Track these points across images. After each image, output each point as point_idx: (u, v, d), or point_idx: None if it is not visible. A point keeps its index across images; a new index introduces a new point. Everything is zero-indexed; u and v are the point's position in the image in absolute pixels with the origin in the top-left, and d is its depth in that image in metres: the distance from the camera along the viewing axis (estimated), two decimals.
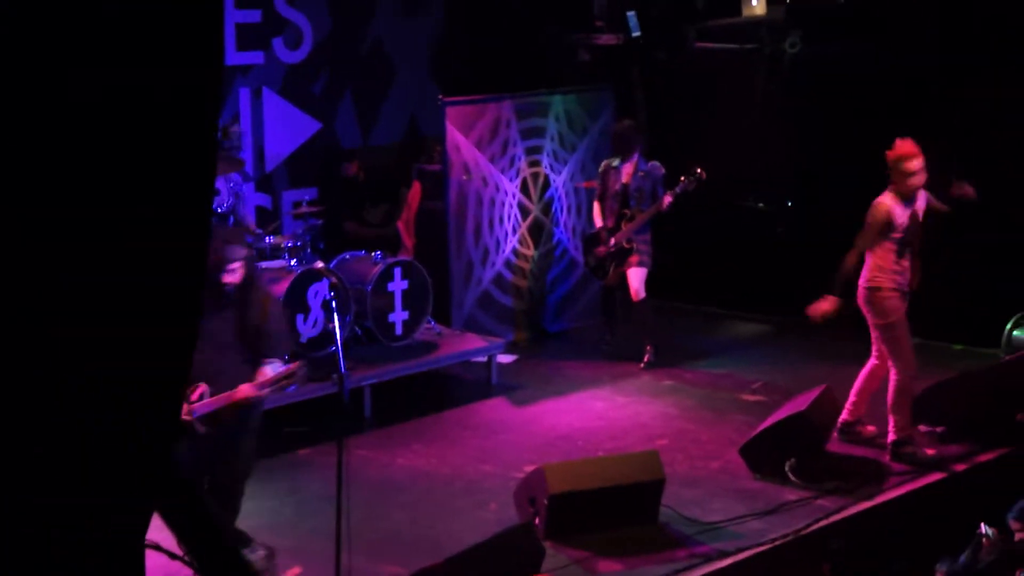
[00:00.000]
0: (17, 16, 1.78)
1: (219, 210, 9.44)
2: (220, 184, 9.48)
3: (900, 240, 7.89)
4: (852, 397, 8.37)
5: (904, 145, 7.89)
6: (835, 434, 8.35)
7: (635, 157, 10.17)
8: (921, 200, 7.98)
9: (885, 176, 8.02)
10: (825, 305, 7.99)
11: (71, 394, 1.91)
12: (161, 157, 1.93)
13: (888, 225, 7.89)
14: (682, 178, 10.00)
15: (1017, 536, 5.98)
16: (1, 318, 1.85)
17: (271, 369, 6.33)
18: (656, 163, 10.22)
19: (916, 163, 7.82)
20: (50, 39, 1.82)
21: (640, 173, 10.14)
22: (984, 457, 8.23)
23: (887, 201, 7.90)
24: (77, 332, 1.89)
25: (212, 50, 2.03)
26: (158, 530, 2.41)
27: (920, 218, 7.97)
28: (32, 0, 1.81)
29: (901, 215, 7.89)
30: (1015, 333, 9.58)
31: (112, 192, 1.90)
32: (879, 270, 7.95)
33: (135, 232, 1.92)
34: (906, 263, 7.93)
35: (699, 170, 9.97)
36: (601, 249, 10.31)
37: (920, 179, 7.85)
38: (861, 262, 8.01)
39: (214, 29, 2.04)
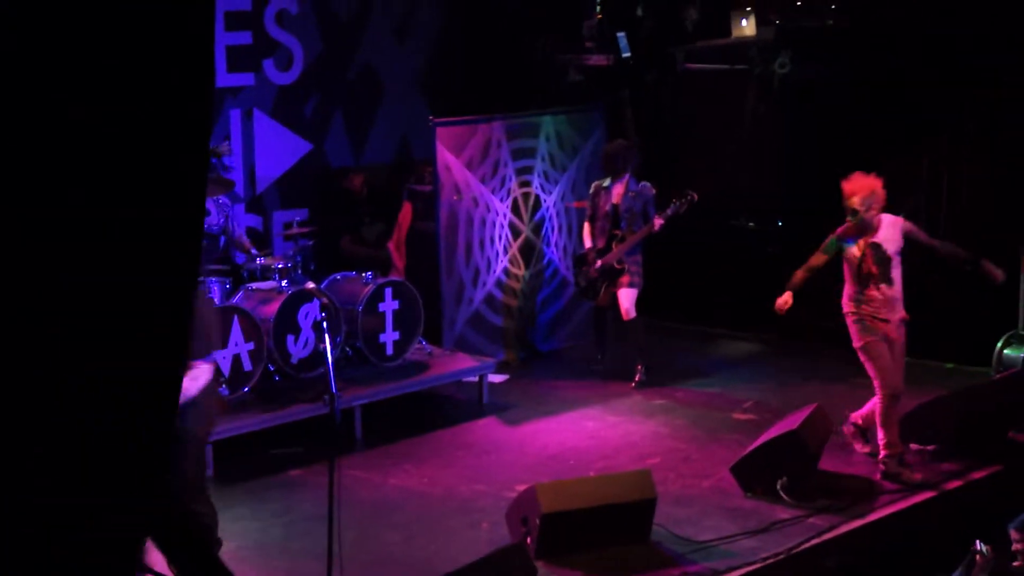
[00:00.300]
0: (17, 28, 1.79)
1: (212, 231, 9.45)
2: (209, 205, 9.48)
3: (854, 269, 7.99)
4: (869, 404, 8.48)
5: (845, 183, 8.01)
6: (841, 433, 8.43)
7: (626, 177, 10.19)
8: (888, 231, 8.02)
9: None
10: (782, 299, 8.22)
11: (71, 394, 1.91)
12: (156, 164, 1.94)
13: (837, 254, 8.06)
14: (674, 200, 10.02)
15: (1015, 547, 5.99)
16: (1, 318, 1.85)
17: (188, 377, 6.12)
18: (647, 183, 10.24)
19: (853, 201, 7.93)
20: (48, 51, 1.83)
21: (631, 193, 10.16)
22: (976, 475, 8.24)
23: (837, 231, 8.04)
24: (77, 332, 1.89)
25: (203, 69, 2.04)
26: (150, 553, 2.39)
27: (888, 249, 8.00)
28: (31, 16, 1.82)
29: (848, 247, 8.02)
30: (1006, 352, 9.60)
31: (110, 197, 1.90)
32: (847, 296, 8.16)
33: (133, 234, 1.93)
34: (873, 293, 7.98)
35: (691, 193, 10.00)
36: (592, 270, 10.33)
37: (860, 219, 7.91)
38: (815, 278, 8.22)
39: (204, 48, 2.05)
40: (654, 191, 10.20)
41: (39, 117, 1.81)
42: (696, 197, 9.98)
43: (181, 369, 2.11)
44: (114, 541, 2.04)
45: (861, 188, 7.92)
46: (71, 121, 1.82)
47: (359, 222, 10.70)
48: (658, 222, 9.98)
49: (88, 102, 1.83)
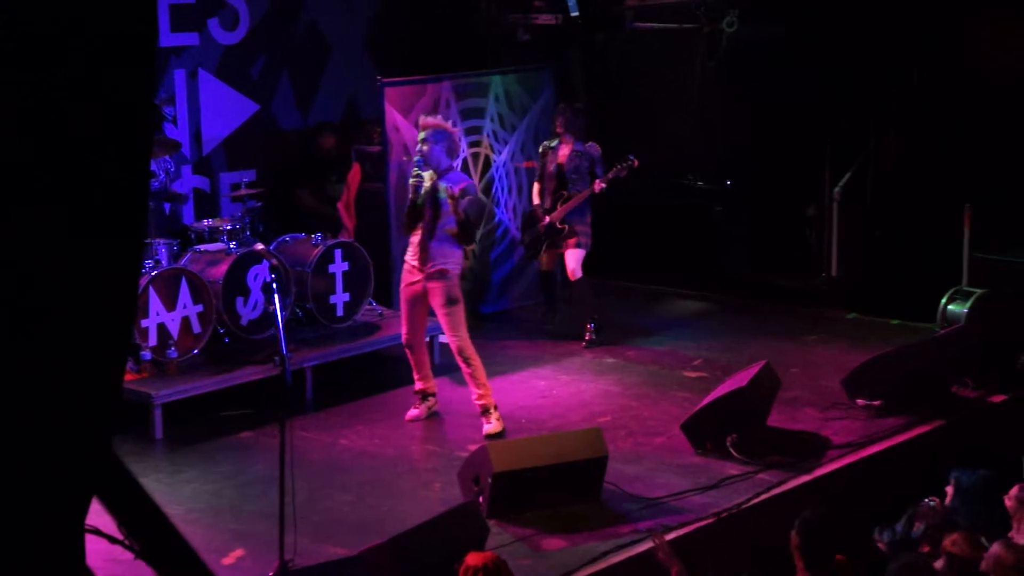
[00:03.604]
0: None
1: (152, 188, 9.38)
2: (153, 166, 9.40)
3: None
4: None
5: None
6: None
7: (572, 138, 10.22)
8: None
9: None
10: None
11: (54, 385, 1.88)
12: (97, 129, 1.89)
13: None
14: (616, 164, 10.06)
15: (947, 499, 6.09)
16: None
17: None
18: (593, 143, 10.27)
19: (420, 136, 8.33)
20: None
21: (576, 153, 10.19)
22: (920, 429, 8.36)
23: None
24: (50, 327, 1.86)
25: (146, 28, 2.00)
26: (97, 515, 2.36)
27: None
28: None
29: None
30: (950, 307, 9.71)
31: (47, 163, 1.86)
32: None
33: (73, 204, 1.88)
34: (414, 238, 8.32)
35: (631, 157, 10.04)
36: (538, 227, 10.37)
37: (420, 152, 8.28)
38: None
39: (147, 6, 2.01)
40: (600, 151, 10.23)
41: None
42: (636, 162, 10.03)
43: (126, 353, 2.09)
44: (64, 508, 2.01)
45: (427, 125, 8.24)
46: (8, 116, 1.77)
47: (325, 180, 10.66)
48: (599, 185, 10.05)
49: (23, 63, 1.78)
